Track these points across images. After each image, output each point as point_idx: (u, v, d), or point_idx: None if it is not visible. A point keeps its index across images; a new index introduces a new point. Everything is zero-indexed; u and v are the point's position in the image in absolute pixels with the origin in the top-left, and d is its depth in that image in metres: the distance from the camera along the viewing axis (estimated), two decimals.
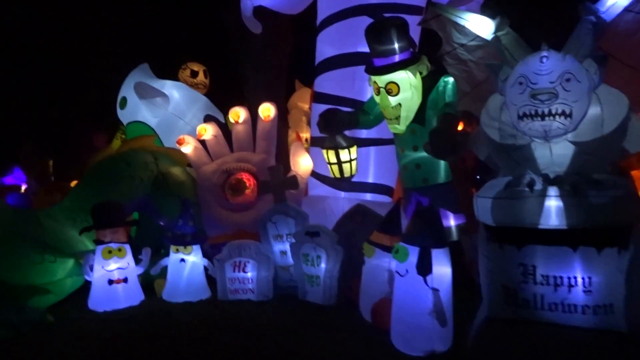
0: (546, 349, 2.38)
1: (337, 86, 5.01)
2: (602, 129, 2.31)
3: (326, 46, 5.17)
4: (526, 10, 2.94)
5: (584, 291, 2.33)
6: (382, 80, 3.84)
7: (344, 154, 4.07)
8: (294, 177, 4.51)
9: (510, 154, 2.51)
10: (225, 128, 5.51)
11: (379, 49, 3.79)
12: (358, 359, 2.88)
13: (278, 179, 4.40)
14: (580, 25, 2.37)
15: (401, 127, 3.96)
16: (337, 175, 4.15)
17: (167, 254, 4.35)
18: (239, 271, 4.15)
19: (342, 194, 4.94)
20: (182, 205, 4.32)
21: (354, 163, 4.14)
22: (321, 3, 5.33)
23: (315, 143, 5.21)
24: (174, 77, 7.42)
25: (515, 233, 2.45)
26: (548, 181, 2.37)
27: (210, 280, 4.32)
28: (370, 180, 4.98)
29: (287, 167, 4.87)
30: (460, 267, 3.35)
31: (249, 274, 4.15)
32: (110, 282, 4.03)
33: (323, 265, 3.92)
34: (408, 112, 3.89)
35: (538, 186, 2.38)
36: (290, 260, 4.14)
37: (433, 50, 3.34)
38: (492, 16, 2.64)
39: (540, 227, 2.37)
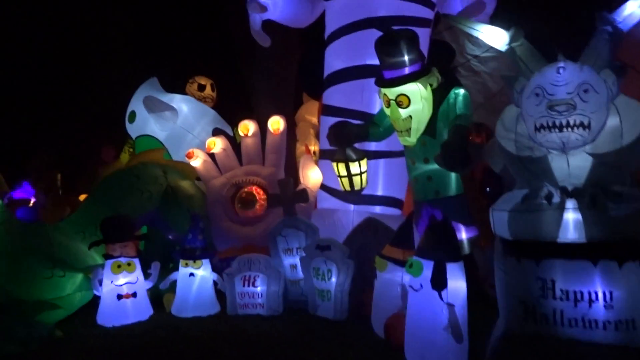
0: None
1: (346, 99, 4.99)
2: (621, 140, 2.27)
3: (335, 59, 5.16)
4: (537, 21, 2.90)
5: (605, 306, 2.27)
6: (392, 92, 3.81)
7: (355, 167, 4.03)
8: (304, 190, 4.47)
9: (526, 166, 2.47)
10: (233, 141, 5.50)
11: (389, 61, 3.76)
12: None
13: (288, 192, 4.37)
14: (596, 35, 2.34)
15: (412, 140, 3.92)
16: (348, 188, 4.11)
17: (175, 269, 4.32)
18: (248, 285, 4.11)
19: (352, 207, 4.90)
20: (191, 219, 4.30)
21: (364, 176, 4.10)
22: (329, 16, 5.33)
23: (324, 156, 5.18)
24: (183, 91, 7.46)
25: (533, 247, 2.40)
26: (566, 194, 2.33)
27: (220, 294, 4.28)
28: (380, 193, 4.93)
29: (296, 180, 4.85)
30: (473, 281, 3.30)
31: (259, 289, 4.11)
32: (120, 296, 4.00)
33: (334, 279, 3.88)
34: (419, 124, 3.85)
35: (556, 199, 2.34)
36: (300, 274, 4.09)
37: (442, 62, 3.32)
38: (505, 27, 2.62)
39: (559, 240, 2.32)
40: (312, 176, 4.78)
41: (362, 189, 4.16)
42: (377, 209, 4.87)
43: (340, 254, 3.86)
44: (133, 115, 6.27)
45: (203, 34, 9.80)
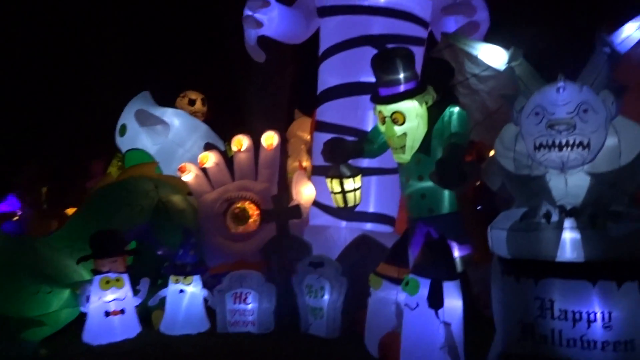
0: None
1: (340, 115, 5.01)
2: (619, 160, 2.28)
3: (329, 75, 5.19)
4: (531, 41, 2.93)
5: (604, 327, 2.25)
6: (387, 109, 3.81)
7: (349, 183, 4.01)
8: (298, 207, 4.45)
9: (525, 184, 2.48)
10: (225, 156, 5.47)
11: (385, 78, 3.77)
12: None
13: (282, 208, 4.34)
14: (595, 56, 2.37)
15: (406, 157, 3.92)
16: (341, 204, 4.08)
17: (165, 285, 4.25)
18: (239, 302, 4.05)
19: (344, 223, 4.89)
20: (183, 234, 4.24)
21: (358, 192, 4.08)
22: (324, 33, 5.37)
23: (316, 172, 5.18)
24: (173, 105, 7.43)
25: (532, 266, 2.38)
26: (565, 213, 2.32)
27: (210, 311, 4.21)
28: (372, 210, 4.93)
29: (288, 196, 4.82)
30: (467, 299, 3.28)
31: (250, 306, 4.05)
32: (107, 313, 3.92)
33: (326, 296, 3.84)
34: (413, 141, 3.85)
35: (554, 218, 2.34)
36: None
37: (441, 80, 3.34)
38: (504, 47, 2.65)
39: (558, 260, 2.31)
40: (305, 192, 4.76)
41: (355, 205, 4.14)
42: (369, 226, 4.87)
43: (333, 271, 3.83)
44: (124, 128, 6.22)
45: (195, 48, 9.81)
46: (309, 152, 7.38)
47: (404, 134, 3.83)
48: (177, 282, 4.13)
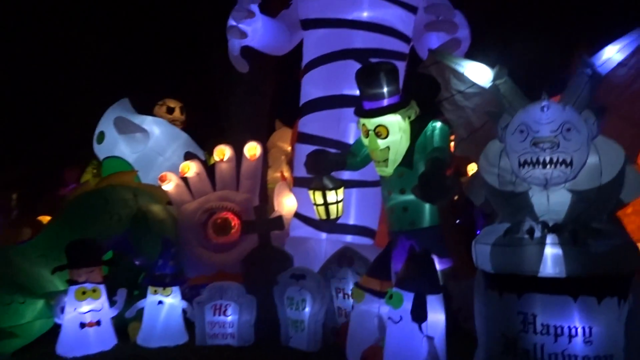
0: None
1: (322, 127, 5.03)
2: (600, 178, 2.35)
3: (312, 87, 5.21)
4: (510, 59, 3.00)
5: (585, 341, 2.30)
6: (371, 123, 3.86)
7: (331, 195, 4.03)
8: (280, 218, 4.43)
9: (508, 200, 2.52)
10: (205, 166, 5.43)
11: (369, 92, 3.82)
12: None
13: (264, 219, 4.32)
14: (576, 77, 2.44)
15: (389, 170, 3.98)
16: (323, 216, 4.10)
17: (141, 296, 4.17)
18: (219, 314, 3.99)
19: (324, 235, 4.89)
20: (163, 244, 4.17)
21: (340, 205, 4.11)
22: (307, 45, 5.40)
23: (297, 183, 5.18)
24: (151, 113, 7.36)
25: (515, 281, 2.42)
26: (547, 229, 2.37)
27: (189, 323, 4.14)
28: (352, 222, 4.95)
29: (269, 207, 4.80)
30: (448, 313, 3.31)
31: (230, 318, 3.99)
32: (82, 325, 3.82)
33: (308, 309, 3.81)
34: (396, 155, 3.92)
35: (537, 234, 2.39)
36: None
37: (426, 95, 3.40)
38: (490, 65, 2.71)
39: (540, 275, 2.35)
40: (287, 203, 4.75)
41: (337, 217, 4.16)
42: (349, 238, 4.88)
43: (315, 284, 3.81)
44: (102, 135, 6.12)
45: (175, 56, 9.74)
46: (290, 163, 7.39)
47: (387, 148, 3.89)
48: (155, 293, 4.05)
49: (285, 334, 3.93)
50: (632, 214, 3.92)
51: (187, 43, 9.04)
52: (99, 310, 3.90)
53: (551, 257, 2.36)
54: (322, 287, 3.81)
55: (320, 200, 4.04)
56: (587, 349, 2.31)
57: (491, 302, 2.53)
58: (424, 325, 2.71)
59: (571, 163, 2.33)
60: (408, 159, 3.92)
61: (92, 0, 9.86)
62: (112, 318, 4.03)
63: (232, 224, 4.60)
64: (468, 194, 2.81)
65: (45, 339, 3.96)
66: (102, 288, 3.96)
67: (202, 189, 4.96)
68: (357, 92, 4.22)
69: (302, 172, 4.64)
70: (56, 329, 3.92)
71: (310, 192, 4.08)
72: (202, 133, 7.12)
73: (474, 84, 2.86)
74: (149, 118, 6.24)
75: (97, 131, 6.26)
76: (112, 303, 4.05)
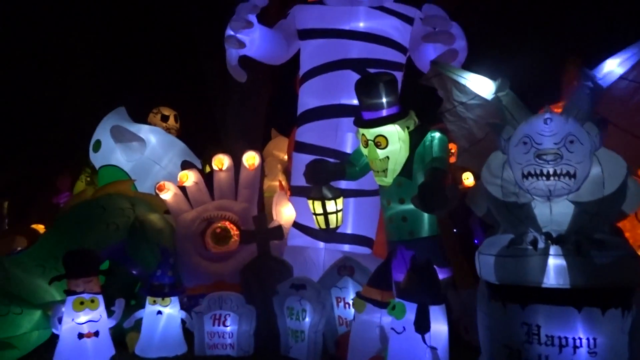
0: None
1: (319, 136, 5.04)
2: (602, 190, 2.38)
3: (309, 97, 5.23)
4: (507, 71, 3.04)
5: (589, 352, 2.32)
6: (371, 133, 3.89)
7: (331, 205, 4.05)
8: (279, 227, 4.43)
9: (511, 211, 2.55)
10: (202, 175, 5.42)
11: (369, 102, 3.85)
12: None
13: (263, 228, 4.31)
14: (578, 89, 2.48)
15: (388, 180, 4.00)
16: (323, 226, 4.11)
17: (138, 306, 4.14)
18: (218, 325, 3.98)
19: (322, 244, 4.89)
20: (161, 254, 4.15)
21: (339, 214, 4.12)
22: (304, 55, 5.43)
23: (295, 192, 5.18)
24: (146, 121, 7.35)
25: (519, 291, 2.44)
26: (551, 240, 2.40)
27: (187, 334, 4.12)
28: (349, 231, 4.95)
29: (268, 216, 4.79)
30: (448, 323, 3.32)
31: (229, 328, 3.98)
32: (80, 335, 3.77)
33: (308, 319, 3.80)
34: (395, 165, 3.94)
35: (541, 245, 2.41)
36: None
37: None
38: (492, 77, 2.74)
39: (544, 286, 2.37)
40: (285, 213, 4.75)
41: (337, 227, 4.17)
42: (347, 247, 4.88)
43: (315, 294, 3.81)
44: (98, 144, 6.09)
45: (170, 65, 9.73)
46: (285, 171, 7.40)
47: (387, 157, 3.91)
48: (154, 303, 4.03)
49: (285, 344, 3.92)
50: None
51: (182, 51, 9.04)
52: (97, 321, 3.86)
53: (555, 268, 2.38)
54: (323, 297, 3.81)
55: (319, 210, 4.05)
56: None
57: (495, 313, 2.54)
58: (427, 335, 2.71)
59: (574, 175, 2.36)
60: (407, 169, 3.94)
61: (87, 5, 9.82)
62: (110, 328, 4.00)
63: (232, 234, 4.59)
64: (470, 204, 2.83)
65: (43, 350, 3.93)
66: (100, 298, 3.92)
67: (201, 198, 4.95)
68: (355, 102, 4.26)
69: (299, 181, 4.65)
70: (54, 339, 3.88)
71: (310, 202, 4.09)
72: (198, 141, 7.11)
73: (476, 96, 2.89)
74: (146, 126, 6.22)
75: (93, 139, 6.22)
76: (109, 313, 4.02)
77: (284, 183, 7.10)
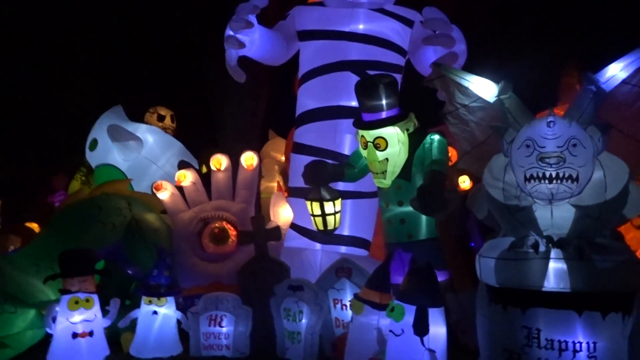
0: None
1: (318, 138, 5.03)
2: (604, 194, 2.38)
3: (308, 98, 5.22)
4: (507, 74, 3.05)
5: (589, 356, 2.31)
6: (370, 134, 3.88)
7: (329, 206, 4.05)
8: (278, 228, 4.41)
9: (513, 214, 2.54)
10: (199, 175, 5.39)
11: (368, 104, 3.84)
12: None
13: (261, 229, 4.29)
14: (581, 93, 2.48)
15: (387, 182, 3.99)
16: (321, 227, 4.11)
17: (133, 306, 4.11)
18: (214, 325, 3.95)
19: (319, 246, 4.88)
20: (158, 253, 4.12)
21: (338, 216, 4.12)
22: (304, 56, 5.42)
23: (292, 193, 5.17)
24: (142, 120, 7.31)
25: (519, 295, 2.43)
26: (552, 243, 2.39)
27: (183, 334, 4.09)
28: (347, 233, 4.94)
29: (265, 217, 4.78)
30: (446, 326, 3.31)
31: (225, 329, 3.95)
32: (75, 335, 3.74)
33: (305, 320, 3.78)
34: (395, 167, 3.94)
35: (542, 248, 2.40)
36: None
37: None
38: (495, 80, 2.74)
39: (545, 289, 2.37)
40: (283, 214, 4.73)
41: (335, 228, 4.16)
42: (344, 249, 4.87)
43: (312, 295, 3.79)
44: (94, 143, 6.06)
45: (168, 64, 9.71)
46: (283, 173, 7.38)
47: (386, 159, 3.91)
48: (150, 303, 3.99)
49: (281, 345, 3.89)
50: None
51: (180, 52, 9.02)
52: (92, 321, 3.82)
53: (556, 272, 2.38)
54: (320, 299, 3.79)
55: (317, 211, 4.05)
56: None
57: (495, 316, 2.53)
58: (425, 338, 2.70)
59: (577, 178, 2.36)
60: (406, 171, 3.94)
61: (84, 6, 9.78)
62: (105, 328, 3.96)
63: (229, 234, 4.57)
64: (470, 207, 2.82)
65: (37, 350, 3.89)
66: (95, 298, 3.88)
67: (198, 199, 4.92)
68: (354, 104, 4.25)
69: (297, 182, 4.64)
70: (48, 339, 3.84)
71: (308, 203, 4.08)
72: (195, 142, 7.08)
73: (478, 98, 2.89)
74: (143, 126, 6.20)
75: (89, 138, 6.20)
76: (104, 313, 3.98)
77: (281, 184, 7.08)
